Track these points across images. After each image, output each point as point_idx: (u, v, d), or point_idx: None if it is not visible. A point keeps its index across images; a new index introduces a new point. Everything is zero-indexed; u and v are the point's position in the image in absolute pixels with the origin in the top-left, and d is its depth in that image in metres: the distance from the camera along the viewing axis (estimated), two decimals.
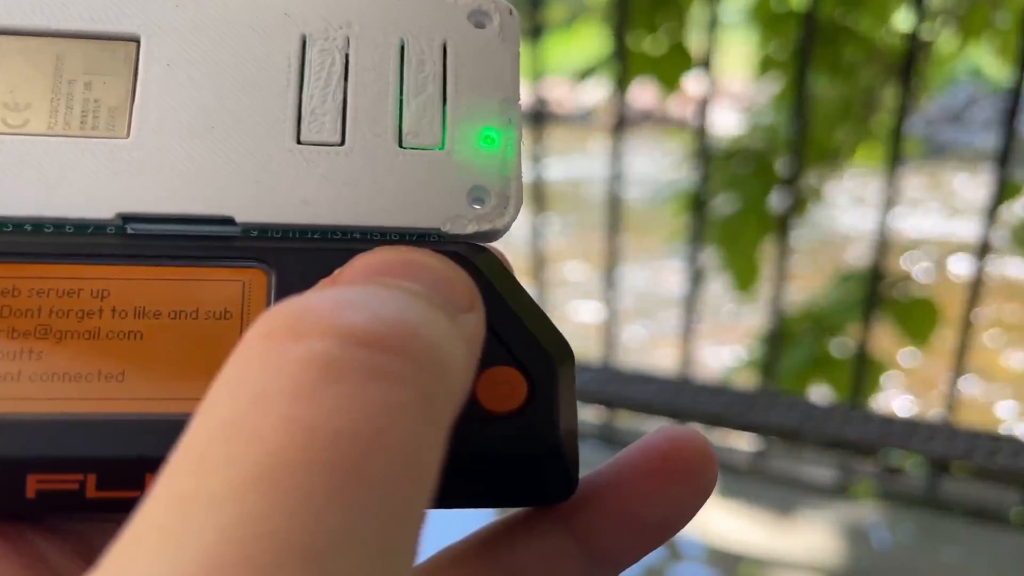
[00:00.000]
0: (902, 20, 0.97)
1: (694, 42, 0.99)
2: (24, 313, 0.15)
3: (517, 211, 0.17)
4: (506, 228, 0.17)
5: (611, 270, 1.01)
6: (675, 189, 1.09)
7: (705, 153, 0.96)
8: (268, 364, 0.11)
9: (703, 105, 0.93)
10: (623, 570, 0.17)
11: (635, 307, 1.76)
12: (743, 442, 1.03)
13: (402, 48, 0.17)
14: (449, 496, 0.15)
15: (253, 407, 0.11)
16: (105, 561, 0.10)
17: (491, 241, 0.17)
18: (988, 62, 1.12)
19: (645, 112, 2.39)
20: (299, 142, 0.17)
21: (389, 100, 0.17)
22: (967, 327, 0.89)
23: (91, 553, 0.15)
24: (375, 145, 0.17)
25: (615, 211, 0.97)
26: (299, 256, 0.16)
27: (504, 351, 0.16)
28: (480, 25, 0.18)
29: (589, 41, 1.06)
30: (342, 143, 0.17)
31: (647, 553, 0.16)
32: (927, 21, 0.96)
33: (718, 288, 1.17)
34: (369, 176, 0.17)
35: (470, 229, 0.17)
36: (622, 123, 0.95)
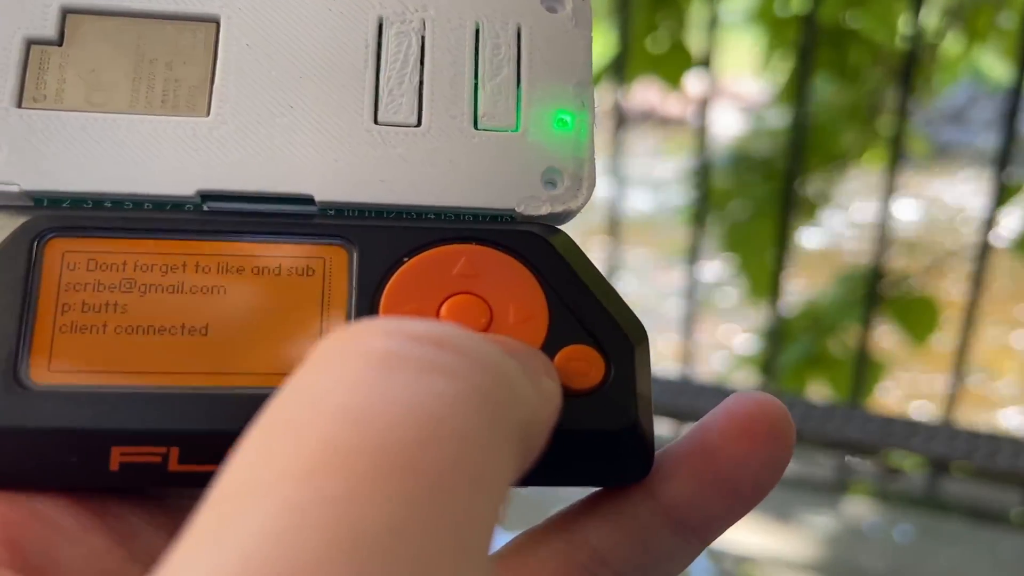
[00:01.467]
0: (906, 23, 0.97)
1: (696, 41, 0.99)
2: (109, 267, 0.15)
3: (590, 193, 0.17)
4: (579, 209, 0.17)
5: (612, 270, 1.01)
6: (680, 200, 1.09)
7: (706, 162, 0.96)
8: (329, 363, 0.11)
9: (704, 105, 0.93)
10: (711, 542, 0.16)
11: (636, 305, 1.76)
12: None
13: (477, 32, 0.18)
14: (527, 473, 0.15)
15: (310, 401, 0.11)
16: (165, 559, 0.10)
17: (564, 223, 0.17)
18: (988, 62, 1.12)
19: (646, 112, 2.39)
20: (377, 122, 0.17)
21: (465, 82, 0.17)
22: (967, 326, 0.89)
23: (179, 528, 0.15)
24: (451, 126, 0.17)
25: (615, 211, 0.97)
26: (380, 233, 0.16)
27: (581, 330, 0.16)
28: (552, 10, 0.18)
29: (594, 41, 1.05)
30: (419, 124, 0.17)
31: (736, 521, 0.16)
32: (932, 23, 0.96)
33: (719, 287, 1.16)
34: (445, 156, 0.17)
35: (544, 210, 0.17)
36: (623, 122, 0.95)
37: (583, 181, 0.17)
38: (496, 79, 0.17)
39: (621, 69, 0.93)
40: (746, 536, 0.88)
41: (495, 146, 0.17)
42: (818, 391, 1.02)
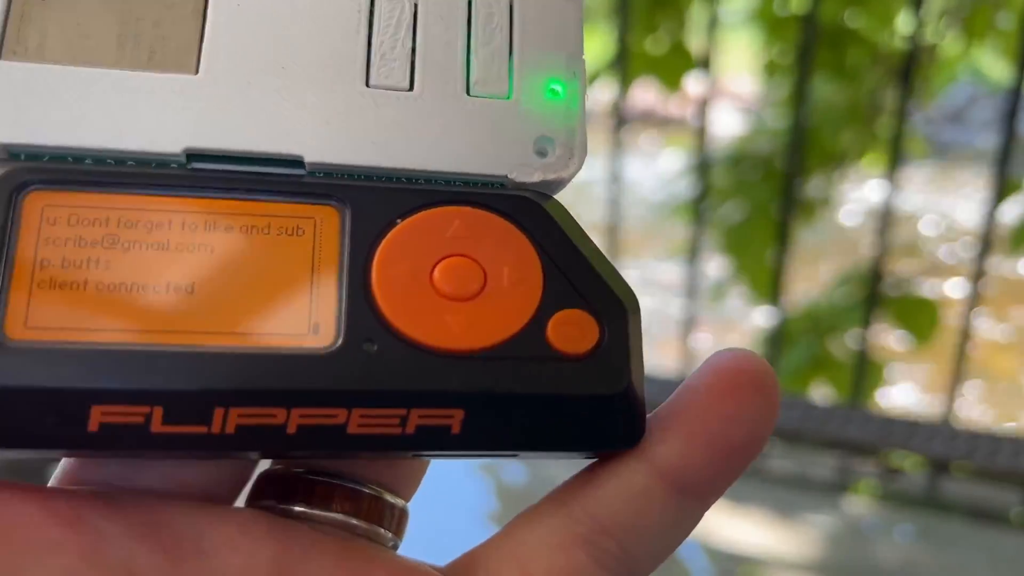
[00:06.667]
0: (905, 23, 0.97)
1: (695, 42, 0.99)
2: (91, 222, 0.15)
3: (582, 162, 0.17)
4: (570, 178, 0.17)
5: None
6: (678, 199, 1.09)
7: (705, 160, 0.96)
8: None
9: (703, 105, 0.93)
10: (710, 505, 0.16)
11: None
12: None
13: (469, 2, 0.17)
14: (519, 439, 0.15)
15: None
16: None
17: (555, 192, 0.17)
18: (988, 62, 1.12)
19: (646, 112, 2.39)
20: (369, 85, 0.17)
21: (457, 49, 0.17)
22: (967, 327, 0.89)
23: (159, 536, 0.14)
24: (443, 92, 0.17)
25: (615, 211, 0.97)
26: (373, 194, 0.16)
27: (575, 294, 0.16)
28: None
29: (592, 42, 1.06)
30: (411, 88, 0.17)
31: (733, 481, 0.16)
32: (931, 23, 0.96)
33: (717, 286, 1.16)
34: (438, 121, 0.17)
35: (536, 177, 0.17)
36: (622, 123, 0.95)
37: (574, 150, 0.17)
38: (488, 47, 0.17)
39: (621, 70, 0.93)
40: (746, 536, 0.88)
41: (487, 113, 0.17)
42: (819, 393, 1.02)
